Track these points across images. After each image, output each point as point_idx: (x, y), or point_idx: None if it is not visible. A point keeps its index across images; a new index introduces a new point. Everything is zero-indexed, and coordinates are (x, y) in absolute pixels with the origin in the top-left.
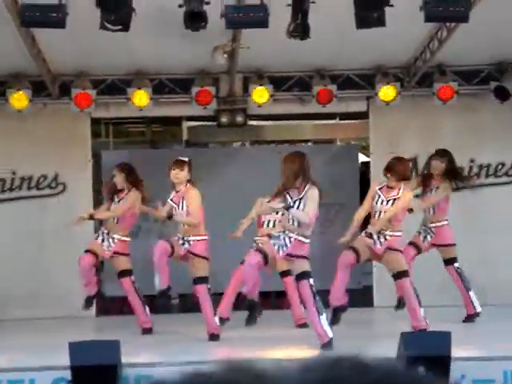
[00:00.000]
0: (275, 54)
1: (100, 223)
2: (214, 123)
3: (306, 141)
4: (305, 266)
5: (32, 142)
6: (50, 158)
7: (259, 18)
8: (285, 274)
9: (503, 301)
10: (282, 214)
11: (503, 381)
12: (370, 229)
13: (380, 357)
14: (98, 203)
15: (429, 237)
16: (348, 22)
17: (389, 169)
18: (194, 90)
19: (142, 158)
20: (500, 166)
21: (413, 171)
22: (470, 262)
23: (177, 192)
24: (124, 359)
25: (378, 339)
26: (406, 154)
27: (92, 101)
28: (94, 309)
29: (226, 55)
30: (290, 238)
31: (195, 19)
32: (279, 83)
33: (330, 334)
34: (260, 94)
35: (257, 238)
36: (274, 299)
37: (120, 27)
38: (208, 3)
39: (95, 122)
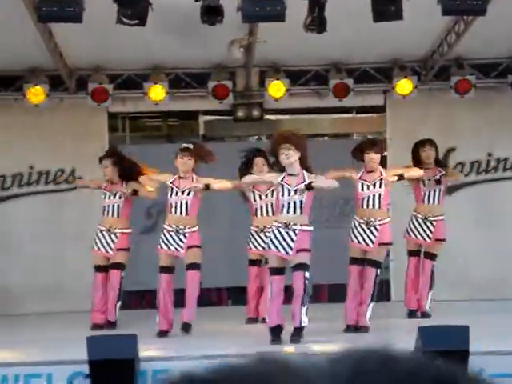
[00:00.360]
0: (292, 48)
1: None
2: (231, 117)
3: (323, 135)
4: (306, 258)
5: (49, 137)
6: (66, 152)
7: (276, 12)
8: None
9: None
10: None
11: None
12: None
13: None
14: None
15: (429, 232)
16: (365, 16)
17: (368, 151)
18: (211, 84)
19: (158, 152)
20: None
21: None
22: (486, 256)
23: (180, 178)
24: (141, 353)
25: (395, 333)
26: None
27: (109, 95)
28: None
29: (242, 49)
30: (294, 230)
31: (212, 13)
32: (296, 77)
33: (305, 323)
34: (276, 88)
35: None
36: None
37: (137, 22)
38: None
39: (112, 116)
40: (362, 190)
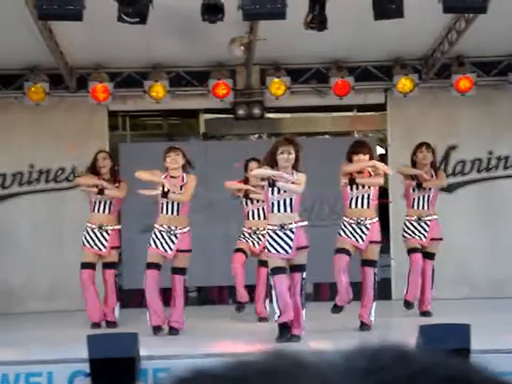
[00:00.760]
0: (292, 46)
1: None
2: (231, 116)
3: (324, 133)
4: (304, 258)
5: (49, 135)
6: (67, 150)
7: (276, 10)
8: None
9: None
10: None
11: None
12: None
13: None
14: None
15: (423, 231)
16: (366, 14)
17: (356, 152)
18: (211, 82)
19: (159, 150)
20: None
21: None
22: (487, 254)
23: (172, 177)
24: (142, 352)
25: (396, 332)
26: None
27: (109, 94)
28: None
29: (243, 47)
30: (291, 230)
31: (212, 11)
32: (296, 75)
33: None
34: (277, 87)
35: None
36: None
37: (137, 20)
38: None
39: (112, 114)
40: (351, 189)
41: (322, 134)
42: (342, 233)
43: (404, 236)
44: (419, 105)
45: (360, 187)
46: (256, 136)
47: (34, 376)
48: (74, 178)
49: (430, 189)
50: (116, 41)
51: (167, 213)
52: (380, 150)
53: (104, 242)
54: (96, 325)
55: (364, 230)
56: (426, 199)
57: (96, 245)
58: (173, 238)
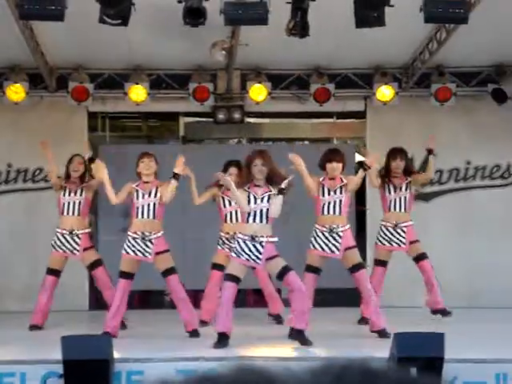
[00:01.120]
0: (274, 52)
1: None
2: (211, 120)
3: (303, 139)
4: (282, 261)
5: (28, 135)
6: (41, 147)
7: (258, 15)
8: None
9: (496, 304)
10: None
11: None
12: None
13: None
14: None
15: (401, 238)
16: (347, 21)
17: (330, 160)
18: (192, 85)
19: (137, 152)
20: (495, 169)
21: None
22: (463, 264)
23: (145, 183)
24: (116, 354)
25: (372, 338)
26: None
27: (89, 94)
28: (87, 302)
29: (224, 52)
30: (261, 243)
31: (194, 15)
32: (277, 81)
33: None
34: (258, 92)
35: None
36: None
37: (119, 22)
38: None
39: (92, 115)
40: (323, 195)
41: (301, 140)
42: (316, 244)
43: (380, 241)
44: (398, 113)
45: (332, 192)
46: (235, 140)
47: (6, 376)
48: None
49: (405, 189)
50: (97, 42)
51: (143, 216)
52: (358, 157)
53: (76, 247)
54: (36, 327)
55: (337, 238)
56: (402, 202)
57: (68, 249)
58: (148, 243)
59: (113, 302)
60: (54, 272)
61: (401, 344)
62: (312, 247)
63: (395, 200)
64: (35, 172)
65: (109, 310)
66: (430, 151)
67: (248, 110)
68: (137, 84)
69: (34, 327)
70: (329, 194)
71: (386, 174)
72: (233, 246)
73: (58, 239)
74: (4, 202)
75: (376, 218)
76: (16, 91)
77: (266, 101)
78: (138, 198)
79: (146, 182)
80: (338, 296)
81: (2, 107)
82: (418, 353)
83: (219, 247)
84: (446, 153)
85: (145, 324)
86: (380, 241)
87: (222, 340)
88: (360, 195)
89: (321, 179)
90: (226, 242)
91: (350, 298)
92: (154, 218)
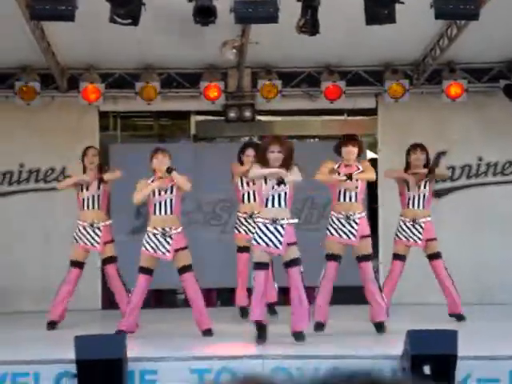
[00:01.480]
0: (284, 50)
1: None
2: (222, 118)
3: (314, 137)
4: (296, 251)
5: (40, 135)
6: (57, 150)
7: (269, 14)
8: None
9: (508, 300)
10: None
11: (509, 381)
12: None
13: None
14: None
15: (418, 234)
16: (358, 19)
17: (346, 144)
18: (203, 84)
19: (149, 151)
20: (508, 165)
21: None
22: (476, 261)
23: (160, 178)
24: (129, 353)
25: (384, 337)
26: None
27: (100, 94)
28: (100, 302)
29: (234, 50)
30: (282, 225)
31: (205, 14)
32: (288, 79)
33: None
34: (268, 90)
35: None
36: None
37: (129, 21)
38: None
39: (103, 115)
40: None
41: (312, 138)
42: (333, 231)
43: (398, 236)
44: (410, 110)
45: (348, 180)
46: (247, 139)
47: (20, 376)
48: (63, 179)
49: (424, 187)
50: (108, 42)
51: (160, 213)
52: (370, 155)
53: (97, 239)
54: (53, 323)
55: (353, 224)
56: (421, 199)
57: (89, 241)
58: (168, 239)
59: (131, 297)
60: (78, 264)
61: (414, 341)
62: (329, 234)
63: (414, 197)
64: (47, 172)
65: (126, 307)
66: (439, 155)
67: (259, 108)
68: (148, 83)
69: (51, 324)
70: (345, 180)
71: (406, 169)
72: (250, 227)
73: (79, 231)
74: (16, 202)
75: (388, 217)
76: (27, 91)
77: (277, 99)
78: (154, 195)
79: (161, 178)
80: (351, 294)
81: (13, 108)
82: (431, 350)
83: (236, 231)
84: (458, 149)
85: (158, 323)
86: (398, 236)
87: (261, 330)
88: (372, 194)
89: (336, 166)
90: (244, 222)
91: (362, 295)
92: (171, 213)
